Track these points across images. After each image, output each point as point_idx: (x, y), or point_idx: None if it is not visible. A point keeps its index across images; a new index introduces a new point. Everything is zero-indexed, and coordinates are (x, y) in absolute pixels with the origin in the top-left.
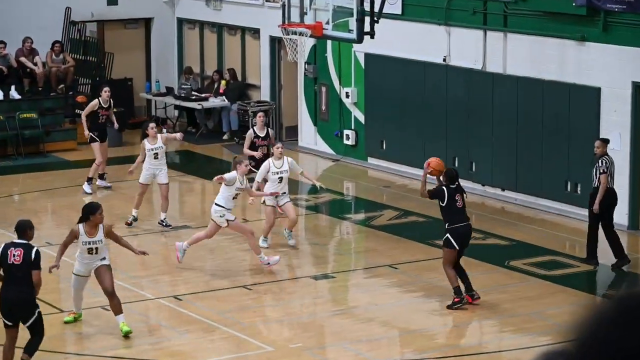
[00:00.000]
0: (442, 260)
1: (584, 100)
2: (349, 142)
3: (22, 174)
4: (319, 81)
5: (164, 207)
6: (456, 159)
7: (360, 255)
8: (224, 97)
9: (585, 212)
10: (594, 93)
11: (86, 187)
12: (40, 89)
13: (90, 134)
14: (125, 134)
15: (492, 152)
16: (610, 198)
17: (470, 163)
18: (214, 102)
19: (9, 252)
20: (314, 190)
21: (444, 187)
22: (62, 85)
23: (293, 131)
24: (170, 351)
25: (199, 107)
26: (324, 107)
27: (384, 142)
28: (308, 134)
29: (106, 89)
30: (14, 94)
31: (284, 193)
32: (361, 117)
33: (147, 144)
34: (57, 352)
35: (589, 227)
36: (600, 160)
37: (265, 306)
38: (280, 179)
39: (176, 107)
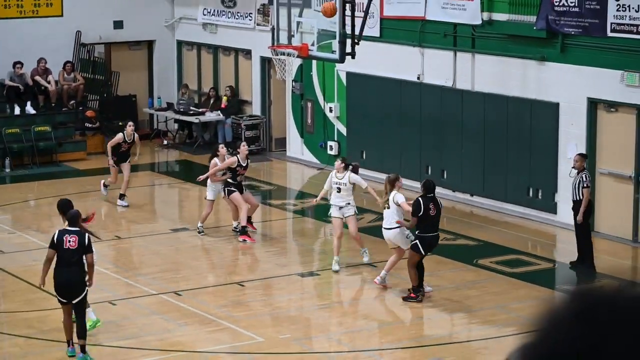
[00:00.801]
0: (407, 260)
1: (544, 115)
2: (332, 152)
3: (37, 181)
4: (305, 97)
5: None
6: (429, 167)
7: (342, 255)
8: (219, 111)
9: (546, 215)
10: (553, 108)
11: (120, 202)
12: (53, 104)
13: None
14: None
15: (462, 161)
16: (589, 209)
17: (442, 171)
18: (210, 116)
19: (64, 239)
20: (300, 195)
21: (419, 198)
22: (72, 101)
23: (282, 142)
24: (171, 342)
25: (197, 120)
26: (309, 121)
27: (364, 152)
28: (295, 145)
29: (130, 123)
30: (29, 109)
31: (348, 204)
32: (343, 130)
33: (217, 162)
34: (64, 342)
35: (577, 237)
36: (583, 175)
37: (256, 301)
38: (339, 189)
39: (176, 120)
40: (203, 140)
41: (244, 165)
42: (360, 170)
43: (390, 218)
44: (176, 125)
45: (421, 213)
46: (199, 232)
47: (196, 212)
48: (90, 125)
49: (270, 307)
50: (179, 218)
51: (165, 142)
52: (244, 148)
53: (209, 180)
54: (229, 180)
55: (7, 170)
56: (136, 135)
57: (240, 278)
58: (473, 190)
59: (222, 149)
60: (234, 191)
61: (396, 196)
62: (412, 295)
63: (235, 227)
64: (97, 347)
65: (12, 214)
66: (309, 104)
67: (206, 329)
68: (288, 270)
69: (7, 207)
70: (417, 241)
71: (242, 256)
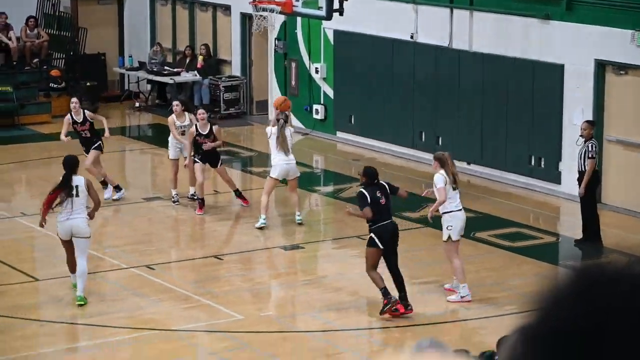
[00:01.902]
0: (366, 266)
1: (548, 77)
2: (318, 117)
3: None
4: (289, 57)
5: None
6: (423, 133)
7: (329, 227)
8: (195, 72)
9: (549, 185)
10: (558, 70)
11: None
12: (14, 63)
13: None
14: (99, 108)
15: (458, 127)
16: (595, 180)
17: (436, 137)
18: (186, 76)
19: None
20: None
21: (362, 190)
22: (36, 60)
23: (263, 105)
24: (143, 319)
25: (171, 81)
26: (293, 82)
27: (353, 117)
28: None
29: (176, 102)
30: None
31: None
32: (330, 92)
33: (175, 120)
34: (31, 320)
35: (582, 211)
36: (589, 145)
37: (236, 276)
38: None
39: (149, 81)
40: None
41: (204, 133)
42: (348, 136)
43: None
44: (149, 86)
45: (369, 204)
46: (174, 202)
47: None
48: (55, 86)
49: (251, 282)
50: (152, 186)
51: (137, 104)
52: (201, 115)
53: (170, 138)
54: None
55: None
56: (87, 112)
57: (218, 251)
58: (470, 158)
59: (202, 114)
60: (196, 162)
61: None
62: (385, 301)
63: (192, 194)
64: (63, 324)
65: None
66: (293, 65)
67: (181, 305)
68: (270, 243)
69: None
70: (371, 234)
71: (220, 228)
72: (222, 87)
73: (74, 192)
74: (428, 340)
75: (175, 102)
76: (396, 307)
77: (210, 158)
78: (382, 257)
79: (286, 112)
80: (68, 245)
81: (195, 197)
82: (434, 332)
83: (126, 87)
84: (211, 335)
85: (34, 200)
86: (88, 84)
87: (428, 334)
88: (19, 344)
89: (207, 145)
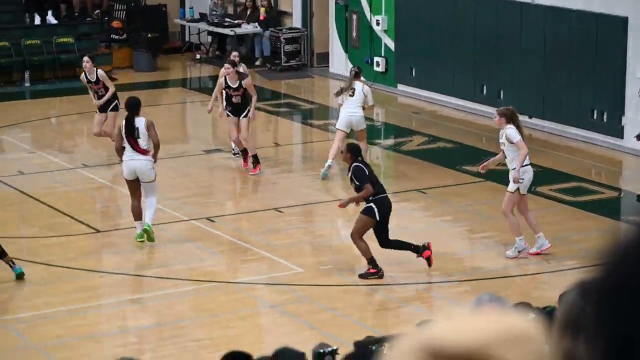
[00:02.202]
0: (354, 230)
1: (611, 30)
2: (379, 69)
3: (58, 97)
4: (350, 9)
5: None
6: (484, 86)
7: (390, 180)
8: (256, 23)
9: (612, 139)
10: (621, 23)
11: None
12: (76, 14)
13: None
14: (160, 59)
15: (520, 80)
16: None
17: (498, 91)
18: (247, 28)
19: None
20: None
21: (359, 164)
22: (97, 11)
23: (324, 58)
24: (204, 271)
25: (232, 33)
26: (354, 34)
27: (414, 70)
28: (339, 61)
29: (235, 53)
30: (50, 19)
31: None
32: (391, 45)
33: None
34: (92, 271)
35: None
36: None
37: (296, 228)
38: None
39: (209, 33)
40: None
41: (233, 86)
42: (409, 88)
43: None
44: (209, 38)
45: (367, 175)
46: (234, 154)
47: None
48: (116, 37)
49: (311, 235)
50: (213, 138)
51: (197, 56)
52: (227, 70)
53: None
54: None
55: (27, 84)
56: (100, 72)
57: (278, 203)
58: (532, 111)
59: (235, 57)
60: (228, 115)
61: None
62: (371, 270)
63: (233, 149)
64: (123, 276)
65: (32, 132)
66: (354, 16)
67: (241, 258)
68: (331, 196)
69: (27, 124)
70: (372, 204)
71: (281, 180)
72: (283, 39)
73: (135, 133)
74: (487, 295)
75: (234, 53)
76: (428, 255)
77: (239, 109)
78: (372, 230)
79: (359, 66)
80: (133, 187)
81: (236, 153)
82: (493, 287)
83: (187, 39)
84: (271, 288)
85: (95, 151)
86: (149, 35)
87: (487, 289)
88: (80, 295)
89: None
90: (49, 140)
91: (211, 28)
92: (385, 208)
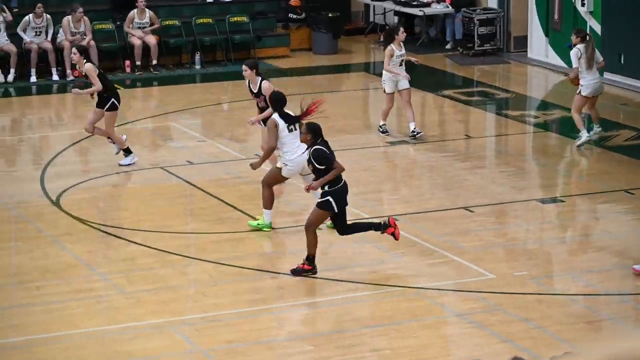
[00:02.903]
0: (310, 221)
1: None
2: None
3: (231, 81)
4: None
5: (411, 116)
6: None
7: (592, 178)
8: (447, 3)
9: None
10: None
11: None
12: None
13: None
14: (341, 41)
15: None
16: None
17: None
18: (437, 8)
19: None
20: (543, 106)
21: (320, 147)
22: None
23: (522, 41)
24: (385, 274)
25: (421, 13)
26: (556, 16)
27: (622, 56)
28: (538, 45)
29: (402, 29)
30: None
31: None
32: (597, 28)
33: (394, 49)
34: (264, 271)
35: None
36: None
37: (487, 230)
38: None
39: (396, 12)
40: (428, 36)
41: (254, 91)
42: (616, 77)
43: None
44: (396, 19)
45: (331, 157)
46: (382, 132)
47: (417, 122)
48: (294, 17)
49: (504, 238)
50: (397, 129)
51: (382, 38)
52: (245, 72)
53: (384, 71)
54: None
55: (198, 67)
56: (87, 65)
57: (468, 202)
58: None
59: (402, 33)
60: (261, 125)
61: None
62: (305, 266)
63: (412, 131)
64: (300, 277)
65: (203, 119)
66: None
67: (427, 261)
68: (526, 195)
69: (197, 110)
70: (329, 197)
71: (472, 176)
72: (477, 20)
73: (292, 126)
74: None
75: (401, 29)
76: (392, 232)
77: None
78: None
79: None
80: (281, 180)
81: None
82: None
83: (371, 19)
84: (458, 295)
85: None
86: (329, 15)
87: None
88: (251, 297)
89: (255, 120)
90: (220, 128)
91: (398, 7)
92: (343, 199)
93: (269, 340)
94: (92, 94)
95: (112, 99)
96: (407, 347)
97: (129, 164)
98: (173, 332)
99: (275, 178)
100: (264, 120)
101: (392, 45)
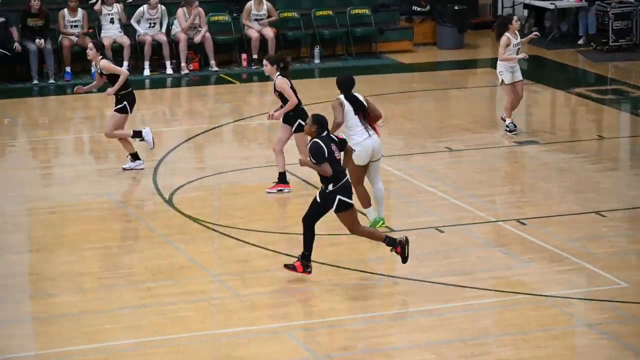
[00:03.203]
0: (351, 228)
1: None
2: None
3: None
4: None
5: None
6: None
7: None
8: None
9: None
10: None
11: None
12: None
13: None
14: (467, 35)
15: None
16: None
17: None
18: (570, 1)
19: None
20: None
21: (318, 140)
22: None
23: None
24: (510, 281)
25: (552, 6)
26: None
27: None
28: None
29: (516, 18)
30: None
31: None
32: None
33: (510, 37)
34: (387, 276)
35: None
36: None
37: (620, 236)
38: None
39: (525, 5)
40: (559, 31)
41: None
42: None
43: None
44: (525, 12)
45: (326, 156)
46: (509, 131)
47: (547, 121)
48: (418, 9)
49: (638, 244)
50: (526, 127)
51: (494, 28)
52: (265, 67)
53: (499, 62)
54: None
55: (316, 61)
56: (103, 62)
57: (600, 206)
58: None
59: (515, 22)
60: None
61: None
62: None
63: (507, 125)
64: (419, 282)
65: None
66: None
67: (555, 267)
68: None
69: (315, 106)
70: (338, 196)
71: (605, 179)
72: (612, 14)
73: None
74: None
75: (515, 18)
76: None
77: (286, 116)
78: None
79: None
80: (362, 172)
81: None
82: None
83: (499, 13)
84: (589, 304)
85: (390, 139)
86: (455, 7)
87: None
88: (370, 302)
89: (275, 116)
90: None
91: (528, 0)
92: (350, 192)
93: (387, 348)
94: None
95: (125, 102)
96: (535, 357)
97: (132, 169)
98: (288, 338)
99: (356, 172)
100: (286, 120)
101: (507, 34)
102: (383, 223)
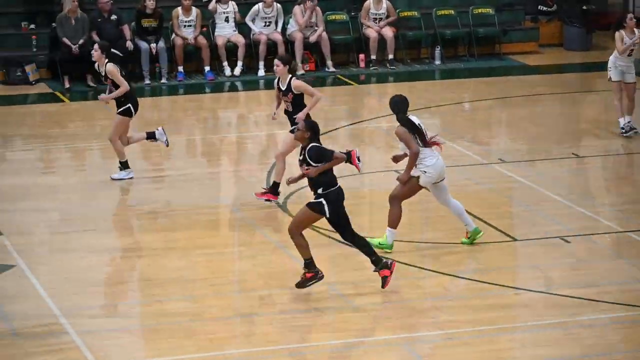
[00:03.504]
0: (294, 223)
1: None
2: None
3: (474, 78)
4: None
5: (630, 109)
6: None
7: None
8: None
9: None
10: None
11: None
12: None
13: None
14: (596, 36)
15: None
16: None
17: None
18: None
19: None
20: None
21: (317, 145)
22: None
23: None
24: (637, 295)
25: None
26: None
27: None
28: None
29: (630, 15)
30: None
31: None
32: None
33: (624, 35)
34: (506, 287)
35: None
36: None
37: None
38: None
39: None
40: None
41: (282, 89)
42: None
43: None
44: None
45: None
46: (623, 133)
47: None
48: (545, 9)
49: None
50: None
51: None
52: (277, 66)
53: (611, 57)
54: None
55: (437, 62)
56: (109, 65)
57: None
58: None
59: (630, 20)
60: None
61: None
62: (307, 275)
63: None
64: (542, 294)
65: (442, 119)
66: None
67: None
68: None
69: (436, 109)
70: (322, 199)
71: None
72: None
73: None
74: None
75: (629, 16)
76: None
77: (291, 120)
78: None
79: None
80: (414, 194)
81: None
82: None
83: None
84: None
85: (514, 144)
86: (584, 7)
87: None
88: (491, 314)
89: (299, 118)
90: (461, 129)
91: None
92: (338, 204)
93: None
94: (107, 101)
95: (129, 104)
96: None
97: (121, 179)
98: (405, 350)
99: (411, 190)
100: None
101: (622, 31)
102: (482, 233)
